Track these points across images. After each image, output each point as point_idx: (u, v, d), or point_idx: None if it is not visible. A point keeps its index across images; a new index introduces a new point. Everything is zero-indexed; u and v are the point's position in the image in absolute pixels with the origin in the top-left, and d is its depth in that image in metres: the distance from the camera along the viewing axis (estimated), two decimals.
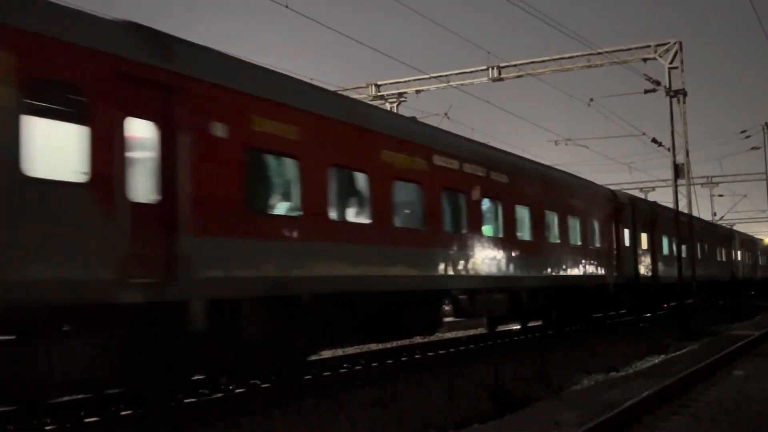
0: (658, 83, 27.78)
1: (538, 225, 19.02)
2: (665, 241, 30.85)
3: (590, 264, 22.34)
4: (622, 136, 39.80)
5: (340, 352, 18.05)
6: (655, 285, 29.23)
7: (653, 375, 13.54)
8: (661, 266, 29.56)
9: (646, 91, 28.18)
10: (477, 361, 15.67)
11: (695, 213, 31.78)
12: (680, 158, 28.33)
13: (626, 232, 25.91)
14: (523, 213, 18.45)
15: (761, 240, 64.10)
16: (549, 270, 19.58)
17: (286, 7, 17.25)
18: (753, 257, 56.65)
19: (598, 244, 23.11)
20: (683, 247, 32.20)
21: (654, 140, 29.93)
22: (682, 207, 29.44)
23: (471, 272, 15.59)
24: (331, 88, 28.80)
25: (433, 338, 19.46)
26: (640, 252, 27.35)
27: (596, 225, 23.11)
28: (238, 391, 11.60)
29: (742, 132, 41.91)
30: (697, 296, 32.02)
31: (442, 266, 14.69)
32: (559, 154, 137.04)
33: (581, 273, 21.68)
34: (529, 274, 18.28)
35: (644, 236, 27.98)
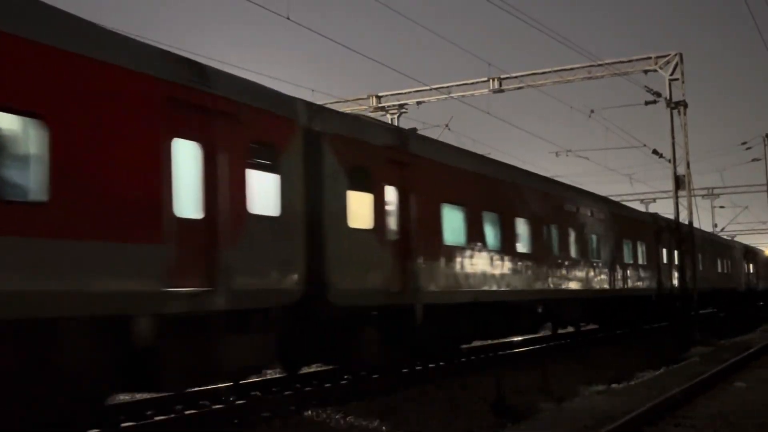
0: (658, 95, 27.83)
1: None
2: (432, 212, 14.95)
3: None
4: (623, 148, 39.70)
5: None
6: (357, 312, 12.81)
7: (654, 386, 13.50)
8: (419, 268, 14.03)
9: (647, 103, 28.22)
10: (479, 373, 15.63)
11: (696, 224, 31.66)
12: (681, 170, 28.34)
13: (253, 175, 10.56)
14: None
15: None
16: None
17: (288, 18, 17.34)
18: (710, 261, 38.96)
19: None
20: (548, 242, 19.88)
21: (655, 151, 29.95)
22: (683, 218, 29.39)
23: None
24: (332, 100, 29.00)
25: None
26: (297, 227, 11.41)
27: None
28: (238, 402, 11.58)
29: (743, 143, 41.82)
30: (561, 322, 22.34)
31: None
32: (559, 166, 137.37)
33: None
34: None
35: (353, 198, 12.62)
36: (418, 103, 31.66)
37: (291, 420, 10.53)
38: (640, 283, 26.94)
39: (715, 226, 60.10)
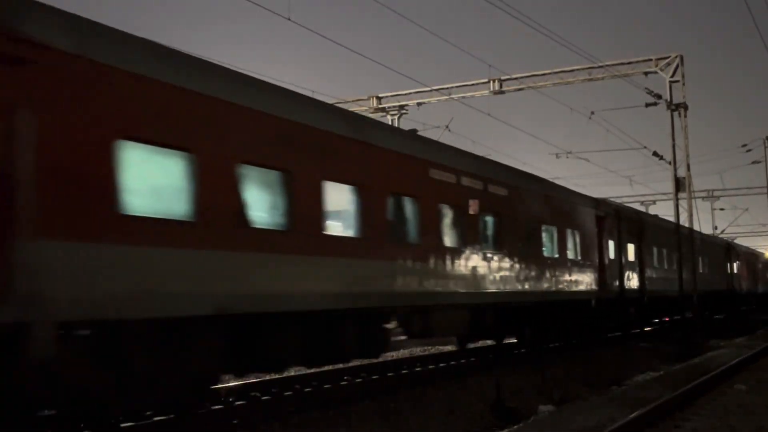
0: (659, 97, 27.83)
1: None
2: None
3: None
4: (623, 150, 39.82)
5: (340, 364, 18.02)
6: None
7: (654, 388, 13.50)
8: None
9: (647, 105, 28.21)
10: (478, 374, 15.64)
11: (696, 227, 31.61)
12: (681, 172, 28.34)
13: None
14: None
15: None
16: None
17: (289, 19, 17.34)
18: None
19: None
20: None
21: (655, 153, 29.96)
22: (683, 220, 29.38)
23: None
24: (333, 101, 29.05)
25: (433, 351, 19.43)
26: None
27: None
28: (238, 403, 11.58)
29: (743, 146, 41.87)
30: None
31: None
32: (560, 167, 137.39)
33: None
34: None
35: None
36: (419, 104, 31.68)
37: (290, 422, 10.53)
38: (571, 285, 20.84)
39: (715, 228, 60.23)
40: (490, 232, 16.78)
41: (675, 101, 27.54)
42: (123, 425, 9.79)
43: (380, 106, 31.88)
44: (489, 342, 20.62)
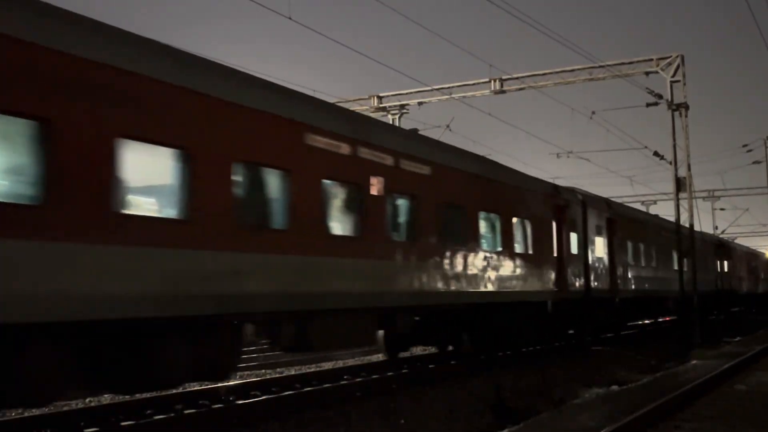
0: (660, 96, 27.80)
1: None
2: None
3: None
4: (624, 149, 39.92)
5: (340, 363, 18.03)
6: None
7: (654, 388, 13.50)
8: None
9: (648, 105, 28.18)
10: (478, 375, 15.63)
11: (696, 227, 31.57)
12: (682, 172, 28.28)
13: None
14: None
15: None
16: None
17: (290, 18, 17.32)
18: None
19: None
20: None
21: (656, 153, 29.93)
22: (684, 220, 29.34)
23: None
24: (333, 100, 29.03)
25: (433, 350, 19.41)
26: None
27: None
28: (238, 402, 11.58)
29: (744, 146, 41.91)
30: None
31: None
32: (560, 167, 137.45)
33: None
34: None
35: None
36: (420, 103, 31.64)
37: (290, 421, 10.53)
38: (520, 284, 17.65)
39: (716, 228, 60.24)
40: (403, 218, 13.72)
41: (676, 101, 27.51)
42: (123, 423, 9.79)
43: (381, 105, 31.86)
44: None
